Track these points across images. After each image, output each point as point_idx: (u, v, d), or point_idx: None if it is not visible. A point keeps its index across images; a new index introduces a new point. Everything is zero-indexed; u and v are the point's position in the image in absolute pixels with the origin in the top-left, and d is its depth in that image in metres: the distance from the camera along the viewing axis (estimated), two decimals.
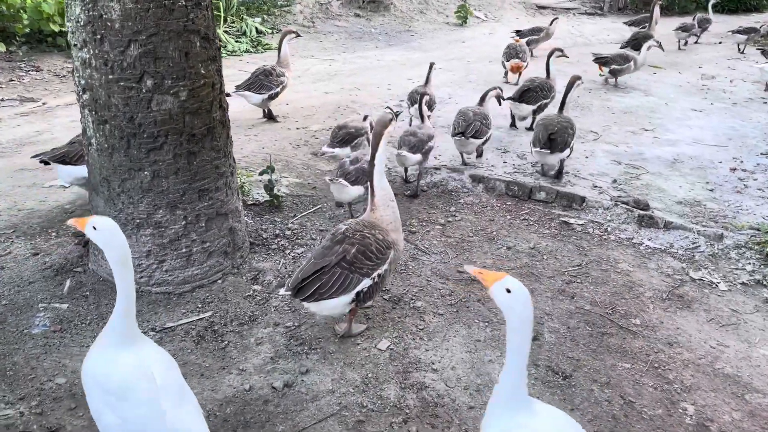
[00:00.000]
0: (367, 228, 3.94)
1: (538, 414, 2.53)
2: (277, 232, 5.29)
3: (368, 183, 4.07)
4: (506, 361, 2.52)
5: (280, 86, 8.19)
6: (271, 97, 8.18)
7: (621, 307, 4.64)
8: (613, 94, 10.69)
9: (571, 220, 5.93)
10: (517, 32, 13.58)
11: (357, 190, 5.32)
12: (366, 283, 3.82)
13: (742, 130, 8.92)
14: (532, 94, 8.13)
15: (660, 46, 11.29)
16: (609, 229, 5.81)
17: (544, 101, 8.18)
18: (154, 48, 3.89)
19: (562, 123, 6.54)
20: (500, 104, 7.54)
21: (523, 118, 8.49)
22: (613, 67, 10.76)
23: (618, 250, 5.50)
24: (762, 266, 5.26)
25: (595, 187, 6.63)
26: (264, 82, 8.01)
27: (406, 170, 6.63)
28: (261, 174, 5.61)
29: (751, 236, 5.66)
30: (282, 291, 3.72)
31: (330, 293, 3.70)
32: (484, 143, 6.94)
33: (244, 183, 5.80)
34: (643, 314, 4.59)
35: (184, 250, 4.39)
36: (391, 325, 4.23)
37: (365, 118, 6.69)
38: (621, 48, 13.01)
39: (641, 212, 5.92)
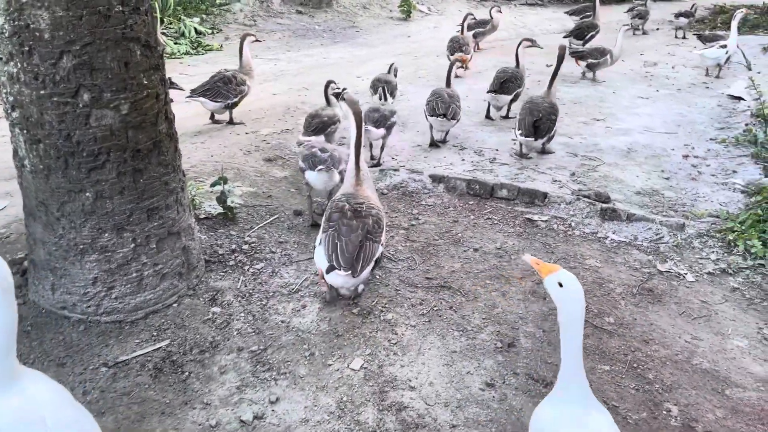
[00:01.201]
0: (365, 200, 4.31)
1: (587, 416, 2.52)
2: (234, 246, 5.00)
3: (354, 160, 4.44)
4: (561, 356, 2.54)
5: (239, 95, 7.84)
6: (228, 107, 7.85)
7: (593, 306, 4.56)
8: (561, 84, 10.64)
9: (535, 217, 5.84)
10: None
11: (338, 177, 5.30)
12: (380, 249, 4.27)
13: (690, 116, 9.06)
14: (509, 84, 8.35)
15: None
16: (573, 224, 5.75)
17: (519, 90, 8.45)
18: (89, 59, 3.55)
19: (547, 108, 7.02)
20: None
21: (500, 108, 8.70)
22: (589, 61, 10.77)
23: (584, 245, 5.44)
24: (725, 254, 5.28)
25: (555, 181, 6.57)
26: (222, 89, 7.66)
27: (371, 147, 7.05)
28: (212, 186, 5.30)
29: (712, 224, 5.69)
30: (342, 272, 3.94)
31: (368, 263, 4.11)
32: (454, 124, 7.52)
33: (194, 195, 5.47)
34: (615, 312, 4.52)
35: (134, 274, 4.06)
36: (363, 341, 4.02)
37: (328, 84, 6.85)
38: (564, 38, 13.11)
39: (603, 205, 5.87)
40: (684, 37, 15.06)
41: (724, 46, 11.01)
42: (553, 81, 7.33)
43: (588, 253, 5.31)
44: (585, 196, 6.05)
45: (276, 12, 15.57)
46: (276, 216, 5.59)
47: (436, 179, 6.41)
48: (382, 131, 6.67)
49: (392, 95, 7.97)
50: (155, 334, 3.99)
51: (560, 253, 5.26)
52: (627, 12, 15.68)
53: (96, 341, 3.90)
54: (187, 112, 8.14)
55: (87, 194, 3.79)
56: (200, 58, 12.17)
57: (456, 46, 11.19)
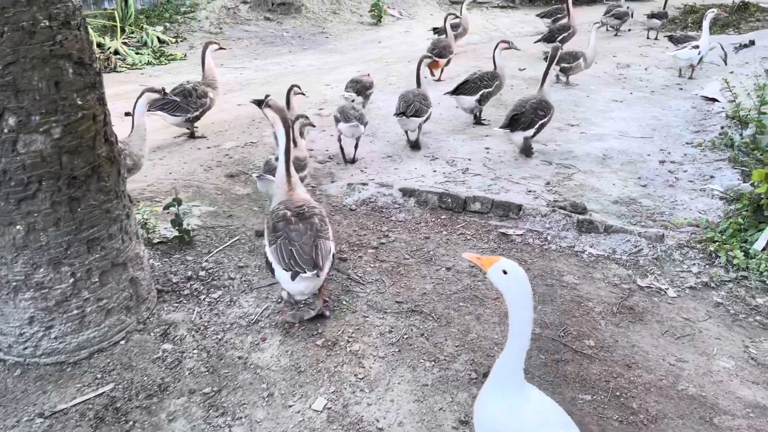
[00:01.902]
0: (303, 203, 4.25)
1: (530, 400, 2.58)
2: (190, 273, 4.67)
3: (284, 167, 4.38)
4: (507, 341, 2.59)
5: (200, 109, 7.48)
6: (189, 120, 7.49)
7: (572, 328, 4.31)
8: (535, 88, 10.50)
9: (510, 231, 5.59)
10: (435, 30, 13.28)
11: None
12: (332, 245, 4.18)
13: (665, 119, 8.91)
14: (471, 85, 8.22)
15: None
16: (549, 237, 5.51)
17: (486, 90, 8.24)
18: (13, 79, 3.21)
19: (533, 104, 7.07)
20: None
21: (471, 111, 8.53)
22: (563, 65, 10.56)
23: (561, 260, 5.20)
24: (707, 266, 5.07)
25: (530, 191, 6.33)
26: (181, 103, 7.28)
27: (342, 149, 7.18)
28: (166, 209, 4.96)
29: (692, 234, 5.48)
30: (308, 273, 3.77)
31: (327, 260, 3.99)
32: (424, 121, 7.38)
33: (148, 218, 5.13)
34: (596, 333, 4.27)
35: (75, 311, 3.71)
36: (327, 377, 3.72)
37: (291, 88, 6.68)
38: (535, 43, 12.89)
39: (580, 217, 5.63)
40: (656, 38, 15.00)
41: (697, 47, 10.90)
42: (544, 80, 7.34)
43: (565, 268, 5.06)
44: (561, 208, 5.81)
45: (243, 19, 15.21)
46: (236, 238, 5.26)
47: (407, 193, 6.14)
48: (365, 127, 6.93)
49: (364, 95, 8.13)
50: (99, 376, 3.65)
51: (536, 270, 5.01)
52: (605, 15, 15.55)
53: (33, 387, 3.55)
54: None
55: (18, 227, 3.45)
56: (163, 68, 11.77)
57: (441, 49, 10.95)
